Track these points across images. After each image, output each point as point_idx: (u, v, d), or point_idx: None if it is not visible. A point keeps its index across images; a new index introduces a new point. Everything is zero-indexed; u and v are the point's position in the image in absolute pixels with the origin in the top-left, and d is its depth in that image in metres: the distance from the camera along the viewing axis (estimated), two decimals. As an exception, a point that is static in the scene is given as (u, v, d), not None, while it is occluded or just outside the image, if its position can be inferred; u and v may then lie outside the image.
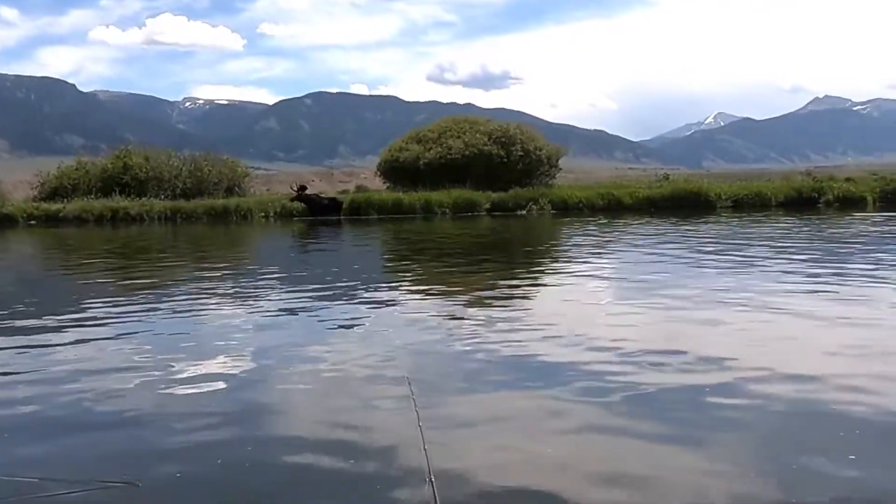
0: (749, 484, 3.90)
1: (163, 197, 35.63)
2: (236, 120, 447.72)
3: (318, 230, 27.58)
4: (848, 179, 36.95)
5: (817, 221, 25.49)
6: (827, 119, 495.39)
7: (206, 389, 5.89)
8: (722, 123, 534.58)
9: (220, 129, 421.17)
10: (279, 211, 33.25)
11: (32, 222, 33.24)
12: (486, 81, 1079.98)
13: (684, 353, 6.62)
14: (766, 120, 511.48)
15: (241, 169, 41.53)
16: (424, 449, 3.94)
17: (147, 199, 34.36)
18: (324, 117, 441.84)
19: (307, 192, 33.26)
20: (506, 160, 37.71)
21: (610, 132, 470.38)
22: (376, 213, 32.67)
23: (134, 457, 4.43)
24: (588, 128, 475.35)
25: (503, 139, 38.31)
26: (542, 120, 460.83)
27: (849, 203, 33.40)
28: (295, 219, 32.08)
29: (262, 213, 33.29)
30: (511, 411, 5.18)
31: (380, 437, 4.65)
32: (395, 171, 39.51)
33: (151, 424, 5.08)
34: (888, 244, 17.68)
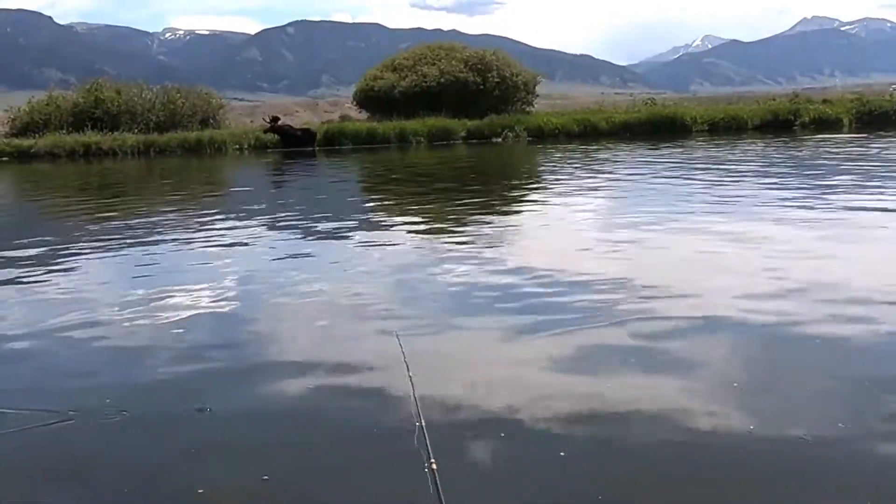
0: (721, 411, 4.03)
1: (136, 130, 35.16)
2: (218, 50, 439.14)
3: (292, 162, 27.47)
4: (825, 101, 36.85)
5: (784, 144, 25.59)
6: (815, 40, 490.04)
7: (192, 321, 6.03)
8: (709, 46, 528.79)
9: (202, 60, 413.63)
10: (253, 143, 32.98)
11: (4, 159, 32.87)
12: (470, 6, 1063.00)
13: (654, 286, 6.66)
14: (753, 42, 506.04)
15: (216, 101, 40.90)
16: (409, 376, 4.05)
17: (119, 133, 33.97)
18: (306, 46, 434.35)
19: (280, 122, 32.90)
20: (482, 87, 37.40)
21: (596, 57, 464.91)
22: (350, 143, 32.44)
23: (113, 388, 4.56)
24: (574, 52, 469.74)
25: (479, 66, 37.92)
26: (526, 45, 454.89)
27: (825, 125, 33.39)
28: (268, 151, 31.85)
29: (237, 146, 33.03)
30: (488, 342, 5.32)
31: (366, 368, 4.78)
32: (370, 101, 39.13)
33: (136, 355, 5.23)
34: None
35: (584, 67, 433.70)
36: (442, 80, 37.13)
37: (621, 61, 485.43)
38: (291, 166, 25.97)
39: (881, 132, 28.97)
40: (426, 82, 37.09)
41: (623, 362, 4.72)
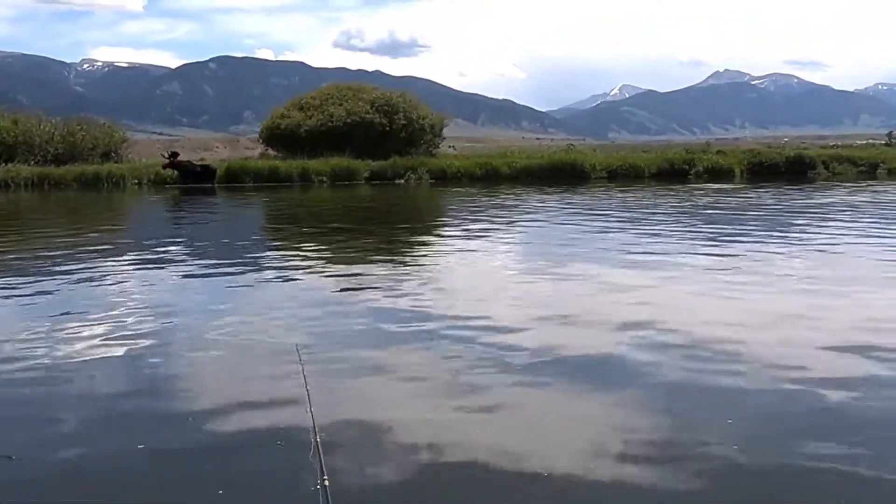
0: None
1: (32, 162, 34.33)
2: (137, 83, 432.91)
3: (190, 198, 27.16)
4: (719, 152, 38.23)
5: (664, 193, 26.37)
6: (726, 92, 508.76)
7: (97, 356, 5.94)
8: (627, 95, 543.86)
9: (121, 93, 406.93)
10: (153, 178, 32.49)
11: None
12: (394, 49, 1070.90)
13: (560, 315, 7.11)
14: (668, 92, 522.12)
15: (119, 134, 40.26)
16: (310, 411, 3.99)
17: (14, 164, 33.10)
18: (229, 82, 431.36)
19: (180, 158, 32.51)
20: (388, 128, 37.69)
21: (518, 102, 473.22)
22: (252, 181, 32.23)
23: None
24: (496, 97, 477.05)
25: (386, 107, 38.27)
26: (450, 88, 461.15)
27: (717, 174, 34.58)
28: (167, 186, 31.42)
29: (136, 181, 32.51)
30: (387, 373, 5.46)
31: (269, 400, 4.82)
32: (277, 139, 39.10)
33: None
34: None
35: (506, 112, 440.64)
36: (349, 120, 37.33)
37: (542, 107, 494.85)
38: (190, 203, 25.67)
39: (769, 183, 30.11)
40: (332, 122, 37.25)
41: (517, 396, 4.94)
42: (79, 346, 6.27)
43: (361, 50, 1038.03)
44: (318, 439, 3.44)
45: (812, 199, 22.73)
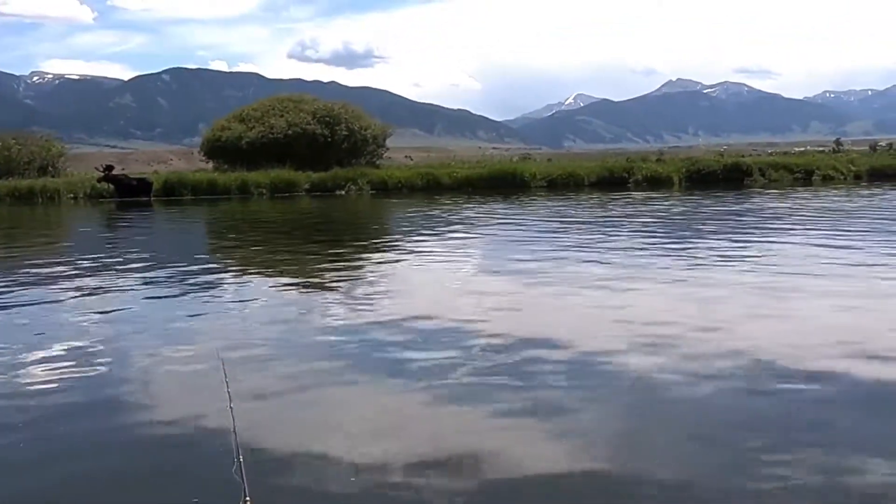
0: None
1: (-36, 177, 33.73)
2: (89, 95, 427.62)
3: (126, 212, 26.86)
4: (658, 160, 38.64)
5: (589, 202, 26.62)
6: (679, 101, 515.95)
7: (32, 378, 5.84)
8: (581, 104, 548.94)
9: (72, 106, 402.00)
10: (88, 192, 32.04)
11: None
12: (350, 59, 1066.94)
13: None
14: (622, 101, 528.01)
15: (56, 148, 39.67)
16: (234, 431, 3.76)
17: (-57, 179, 32.51)
18: (182, 94, 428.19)
19: (115, 171, 32.13)
20: (330, 139, 37.60)
21: (473, 112, 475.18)
22: (190, 194, 31.94)
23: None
24: (452, 107, 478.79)
25: (327, 118, 38.20)
26: (406, 99, 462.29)
27: (656, 183, 34.89)
28: (101, 201, 31.01)
29: (71, 195, 32.03)
30: (321, 385, 5.52)
31: (187, 406, 4.97)
32: (218, 151, 38.82)
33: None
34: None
35: (462, 122, 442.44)
36: (290, 131, 37.20)
37: (498, 117, 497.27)
38: (126, 217, 25.38)
39: (707, 191, 30.47)
40: (273, 133, 37.07)
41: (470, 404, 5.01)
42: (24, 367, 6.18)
43: (316, 61, 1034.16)
44: (241, 459, 3.27)
45: (725, 206, 23.13)
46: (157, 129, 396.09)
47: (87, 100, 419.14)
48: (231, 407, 3.89)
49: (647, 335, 6.62)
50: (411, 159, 52.76)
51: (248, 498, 3.10)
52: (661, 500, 3.68)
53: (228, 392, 4.03)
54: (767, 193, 28.66)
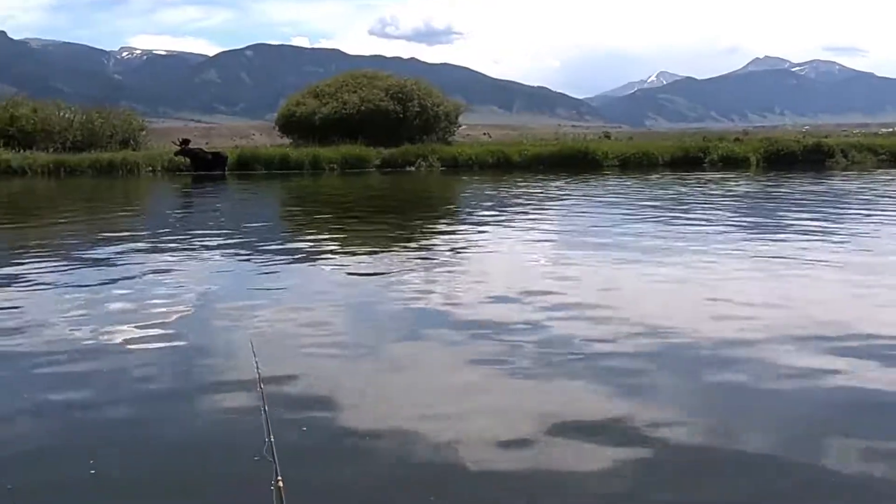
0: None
1: (51, 150, 34.84)
2: (175, 71, 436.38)
3: (201, 185, 27.40)
4: (736, 140, 37.69)
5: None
6: (766, 80, 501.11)
7: (136, 342, 6.03)
8: (664, 82, 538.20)
9: (159, 81, 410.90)
10: (166, 165, 32.83)
11: None
12: (430, 36, 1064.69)
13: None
14: (706, 80, 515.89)
15: (137, 122, 40.64)
16: (265, 411, 3.70)
17: (31, 151, 33.63)
18: (265, 70, 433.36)
19: (190, 146, 32.76)
20: (402, 116, 37.70)
21: (553, 89, 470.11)
22: (263, 168, 32.45)
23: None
24: (531, 84, 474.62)
25: (400, 95, 38.31)
26: (485, 75, 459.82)
27: (733, 163, 34.09)
28: (177, 174, 31.72)
29: (150, 168, 32.88)
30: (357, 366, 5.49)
31: (220, 382, 5.06)
32: (291, 126, 39.33)
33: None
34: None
35: (541, 99, 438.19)
36: (362, 107, 37.43)
37: (578, 94, 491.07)
38: (204, 190, 25.87)
39: (784, 172, 29.68)
40: (346, 109, 37.35)
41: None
42: (109, 330, 6.38)
43: (397, 37, 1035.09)
44: (272, 439, 3.30)
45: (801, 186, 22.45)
46: (239, 104, 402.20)
47: (173, 75, 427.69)
48: (261, 388, 3.93)
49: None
50: (489, 136, 52.39)
51: (279, 477, 3.09)
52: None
53: (258, 372, 4.13)
54: (847, 175, 27.78)
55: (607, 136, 51.27)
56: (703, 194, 20.93)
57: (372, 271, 9.37)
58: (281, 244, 12.38)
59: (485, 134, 59.01)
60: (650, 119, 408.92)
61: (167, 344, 5.98)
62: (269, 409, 3.62)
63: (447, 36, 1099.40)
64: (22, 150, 33.53)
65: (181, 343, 6.02)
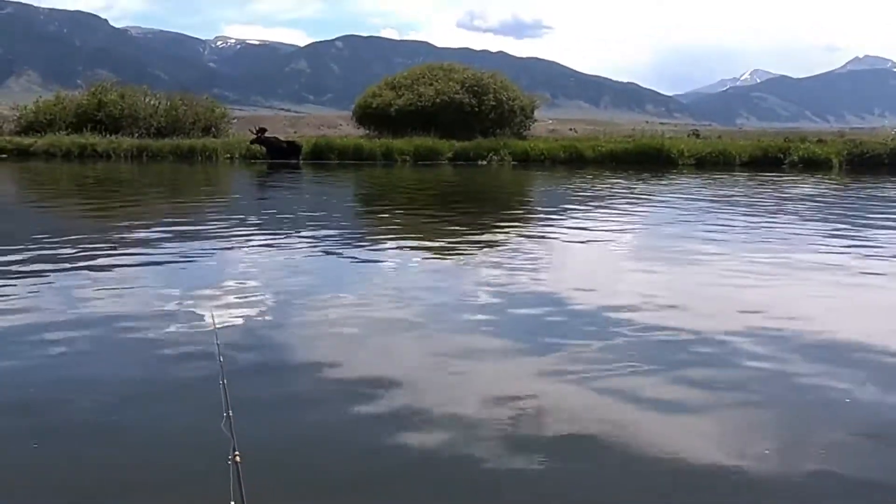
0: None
1: (136, 135, 36.02)
2: (267, 60, 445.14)
3: (275, 173, 27.87)
4: (819, 141, 36.48)
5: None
6: (866, 80, 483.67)
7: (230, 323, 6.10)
8: (758, 80, 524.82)
9: (251, 69, 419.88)
10: (243, 153, 33.57)
11: (3, 156, 33.78)
12: (518, 29, 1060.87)
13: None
14: (803, 78, 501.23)
15: (220, 110, 41.66)
16: (223, 381, 3.63)
17: (116, 136, 34.83)
18: (354, 61, 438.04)
19: (267, 134, 33.39)
20: (477, 109, 37.68)
21: (642, 85, 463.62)
22: (337, 158, 32.89)
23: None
24: (620, 80, 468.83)
25: (476, 88, 38.29)
26: (573, 70, 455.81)
27: (814, 165, 33.01)
28: (253, 162, 32.38)
29: (228, 155, 33.71)
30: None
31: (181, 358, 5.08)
32: (368, 117, 39.70)
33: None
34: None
35: (629, 95, 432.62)
36: (437, 100, 37.54)
37: (667, 91, 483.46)
38: (282, 177, 26.26)
39: (870, 175, 28.62)
40: (421, 102, 37.53)
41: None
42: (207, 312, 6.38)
43: (485, 31, 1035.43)
44: (231, 413, 3.22)
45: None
46: (328, 94, 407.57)
47: (265, 64, 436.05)
48: (221, 360, 3.95)
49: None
50: (576, 132, 52.01)
51: (237, 452, 3.02)
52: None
53: (218, 344, 4.17)
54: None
55: (696, 133, 50.27)
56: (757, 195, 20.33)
57: (442, 265, 9.30)
58: (350, 233, 12.46)
59: (571, 129, 58.60)
60: (741, 118, 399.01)
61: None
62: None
63: (536, 30, 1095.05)
64: (108, 135, 34.80)
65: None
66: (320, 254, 10.00)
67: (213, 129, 39.80)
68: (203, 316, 6.14)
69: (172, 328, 5.90)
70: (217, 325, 4.33)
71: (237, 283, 7.66)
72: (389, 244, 11.00)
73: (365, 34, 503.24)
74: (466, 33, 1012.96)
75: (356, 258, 9.71)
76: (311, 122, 63.65)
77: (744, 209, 16.59)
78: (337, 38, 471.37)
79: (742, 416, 4.38)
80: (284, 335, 5.86)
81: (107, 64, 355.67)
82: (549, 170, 31.02)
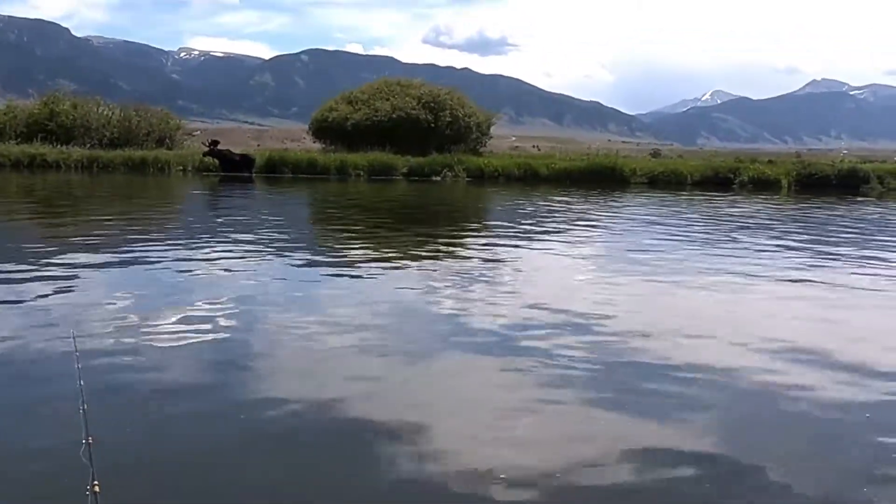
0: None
1: (88, 146, 35.58)
2: (231, 73, 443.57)
3: (227, 186, 27.63)
4: (769, 162, 37.07)
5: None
6: (823, 102, 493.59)
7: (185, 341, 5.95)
8: (718, 101, 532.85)
9: (215, 82, 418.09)
10: (196, 165, 33.30)
11: (-49, 165, 33.19)
12: (483, 46, 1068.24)
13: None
14: (762, 100, 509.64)
15: (174, 121, 41.35)
16: (83, 407, 3.55)
17: (67, 146, 34.37)
18: (319, 75, 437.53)
19: (219, 147, 33.15)
20: (433, 125, 37.77)
21: (605, 104, 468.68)
22: (290, 172, 32.76)
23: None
24: (584, 98, 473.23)
25: (432, 104, 38.39)
26: (537, 88, 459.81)
27: (763, 185, 33.52)
28: (204, 174, 32.13)
29: (180, 167, 33.42)
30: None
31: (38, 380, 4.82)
32: (324, 131, 39.64)
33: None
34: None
35: (592, 113, 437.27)
36: (394, 115, 37.57)
37: (630, 110, 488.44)
38: (233, 191, 26.01)
39: (816, 196, 29.03)
40: (377, 117, 37.53)
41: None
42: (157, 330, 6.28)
43: (450, 47, 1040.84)
44: (90, 440, 3.08)
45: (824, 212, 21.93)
46: (293, 107, 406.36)
47: (230, 77, 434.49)
48: (81, 384, 3.75)
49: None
50: (538, 149, 52.39)
51: (96, 482, 2.91)
52: None
53: (78, 368, 3.98)
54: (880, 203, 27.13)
55: (657, 153, 51.17)
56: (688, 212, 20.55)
57: (404, 283, 9.08)
58: (304, 251, 11.98)
59: (534, 146, 59.11)
60: (703, 138, 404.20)
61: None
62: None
63: (501, 47, 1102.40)
64: (60, 145, 34.34)
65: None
66: (262, 272, 9.57)
67: (168, 140, 39.47)
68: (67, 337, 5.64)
69: (31, 348, 5.62)
70: (78, 348, 4.06)
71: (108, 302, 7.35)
72: (342, 261, 10.75)
73: (330, 48, 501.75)
74: (432, 49, 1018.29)
75: (302, 277, 9.39)
76: (275, 136, 63.65)
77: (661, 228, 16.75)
78: (302, 52, 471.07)
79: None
80: (147, 355, 5.55)
81: (68, 74, 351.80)
82: (502, 187, 31.12)
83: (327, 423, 4.33)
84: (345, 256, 11.11)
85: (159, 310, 6.92)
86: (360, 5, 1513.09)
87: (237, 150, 34.43)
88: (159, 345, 5.76)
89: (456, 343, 6.18)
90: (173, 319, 6.57)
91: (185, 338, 6.00)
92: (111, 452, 3.53)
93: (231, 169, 31.63)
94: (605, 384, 5.16)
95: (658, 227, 16.78)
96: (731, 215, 20.31)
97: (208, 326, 6.40)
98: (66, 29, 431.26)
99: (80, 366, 4.01)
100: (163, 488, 3.54)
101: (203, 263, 9.75)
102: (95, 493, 2.86)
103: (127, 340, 5.82)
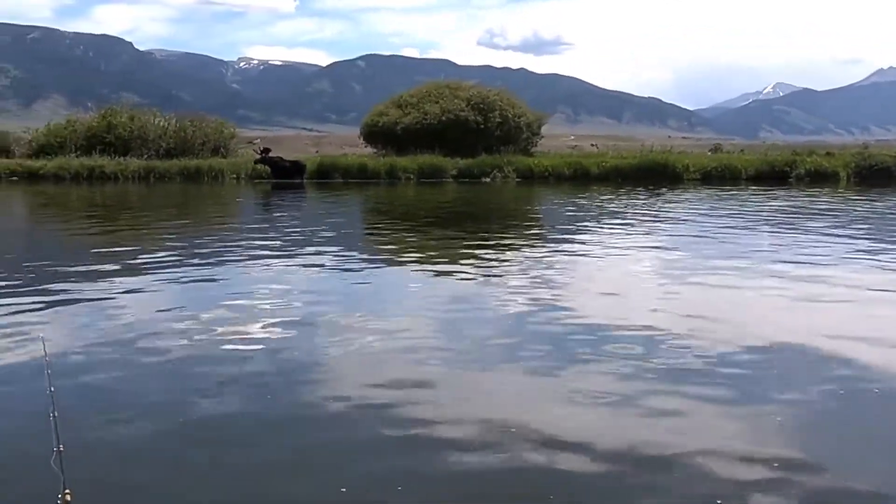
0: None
1: (145, 156, 36.38)
2: (289, 81, 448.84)
3: (278, 192, 27.94)
4: (827, 154, 36.18)
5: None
6: (890, 91, 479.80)
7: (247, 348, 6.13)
8: (780, 94, 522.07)
9: (274, 90, 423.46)
10: (249, 173, 33.78)
11: (14, 178, 34.22)
12: (538, 47, 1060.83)
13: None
14: (826, 91, 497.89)
15: (228, 130, 41.96)
16: (53, 415, 3.39)
17: (125, 158, 35.16)
18: (376, 80, 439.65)
19: (270, 154, 33.53)
20: (482, 126, 37.70)
21: (664, 100, 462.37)
22: (341, 177, 33.05)
23: None
24: (642, 95, 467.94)
25: (481, 105, 38.30)
26: (595, 86, 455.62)
27: (821, 178, 32.75)
28: (255, 181, 32.56)
29: (234, 175, 33.96)
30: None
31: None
32: (375, 136, 39.85)
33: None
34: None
35: (652, 110, 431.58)
36: (443, 118, 37.58)
37: (690, 105, 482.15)
38: (285, 198, 26.25)
39: (876, 188, 28.27)
40: (427, 120, 37.58)
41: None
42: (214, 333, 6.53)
43: (505, 48, 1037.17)
44: (61, 447, 3.05)
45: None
46: (350, 113, 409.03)
47: (288, 85, 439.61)
48: (51, 391, 3.66)
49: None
50: (597, 147, 51.85)
51: (67, 490, 2.92)
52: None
53: (48, 373, 3.88)
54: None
55: (718, 148, 50.83)
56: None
57: (452, 284, 9.23)
58: (355, 253, 12.19)
59: (592, 145, 58.56)
60: (765, 131, 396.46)
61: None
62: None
63: (555, 47, 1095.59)
64: (118, 157, 35.16)
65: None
66: (314, 276, 9.85)
67: (222, 149, 40.09)
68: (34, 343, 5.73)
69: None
70: (49, 354, 4.02)
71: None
72: (395, 264, 11.03)
73: (386, 53, 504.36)
74: (487, 51, 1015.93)
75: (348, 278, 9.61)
76: (333, 142, 64.15)
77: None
78: (358, 58, 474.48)
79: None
80: (119, 364, 5.60)
81: (131, 87, 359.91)
82: (552, 186, 30.95)
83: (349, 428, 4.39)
84: (401, 261, 11.28)
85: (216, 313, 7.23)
86: (414, 9, 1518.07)
87: (296, 158, 34.84)
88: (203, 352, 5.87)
89: (522, 345, 6.15)
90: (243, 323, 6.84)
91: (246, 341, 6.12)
92: (81, 461, 3.54)
93: (282, 176, 31.99)
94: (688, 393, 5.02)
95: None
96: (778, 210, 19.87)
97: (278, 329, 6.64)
98: (130, 43, 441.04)
99: (49, 372, 3.94)
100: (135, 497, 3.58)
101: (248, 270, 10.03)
102: (67, 501, 2.88)
103: (144, 345, 5.96)
